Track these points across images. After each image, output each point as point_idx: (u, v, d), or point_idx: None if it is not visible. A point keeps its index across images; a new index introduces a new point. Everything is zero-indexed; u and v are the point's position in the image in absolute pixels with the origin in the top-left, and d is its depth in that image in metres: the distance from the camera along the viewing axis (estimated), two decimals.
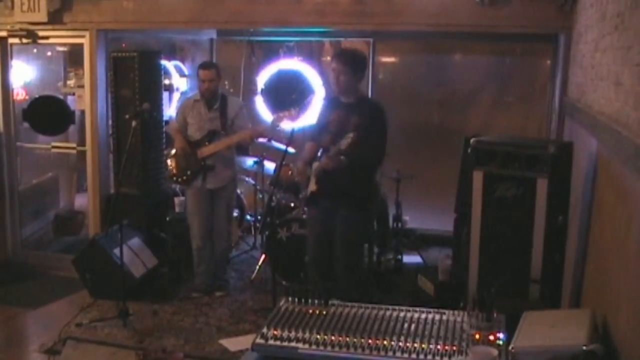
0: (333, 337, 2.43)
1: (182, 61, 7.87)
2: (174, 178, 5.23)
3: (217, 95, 5.14)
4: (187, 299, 5.26)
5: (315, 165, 4.36)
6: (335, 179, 4.20)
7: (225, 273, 5.45)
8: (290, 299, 2.80)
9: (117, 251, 4.90)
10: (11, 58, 6.19)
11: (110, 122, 5.94)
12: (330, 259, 4.51)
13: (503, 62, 6.86)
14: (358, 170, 4.22)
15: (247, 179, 6.79)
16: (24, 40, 5.91)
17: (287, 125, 4.88)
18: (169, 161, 5.25)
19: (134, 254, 5.28)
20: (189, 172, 5.12)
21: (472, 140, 4.22)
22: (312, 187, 4.35)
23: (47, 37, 5.94)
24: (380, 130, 4.33)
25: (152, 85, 5.76)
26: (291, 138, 4.62)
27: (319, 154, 4.49)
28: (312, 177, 4.36)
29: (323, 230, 4.43)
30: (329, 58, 7.41)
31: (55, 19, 5.72)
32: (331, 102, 4.55)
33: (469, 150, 4.25)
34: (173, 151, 5.25)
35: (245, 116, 5.32)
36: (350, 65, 4.28)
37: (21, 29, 5.82)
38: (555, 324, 2.65)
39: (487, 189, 4.08)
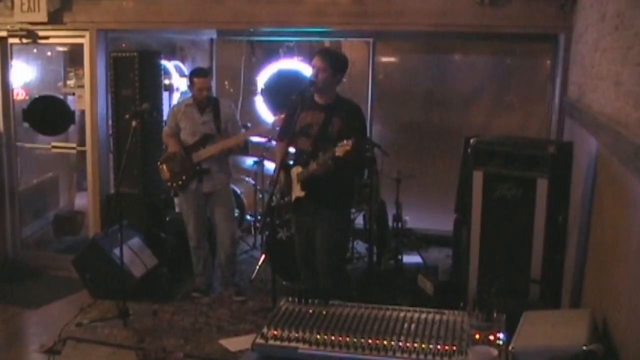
0: (333, 337, 2.43)
1: (182, 61, 7.87)
2: (169, 183, 5.20)
3: (210, 100, 5.14)
4: (187, 299, 5.26)
5: (297, 170, 4.28)
6: (321, 183, 4.15)
7: (234, 277, 5.43)
8: (290, 299, 2.80)
9: (117, 251, 4.89)
10: (11, 58, 6.19)
11: (110, 122, 5.94)
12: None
13: (503, 62, 6.85)
14: (342, 172, 4.14)
15: (247, 179, 6.79)
16: (24, 40, 5.91)
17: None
18: (160, 167, 5.20)
19: (134, 254, 5.28)
20: (184, 177, 5.10)
21: (472, 140, 4.23)
22: (299, 192, 4.28)
23: (47, 37, 5.94)
24: (363, 131, 4.33)
25: (152, 85, 5.76)
26: (292, 137, 4.61)
27: (291, 157, 4.44)
28: (296, 182, 4.29)
29: (309, 233, 4.39)
30: None
31: (55, 19, 5.72)
32: (301, 100, 4.27)
33: (469, 150, 4.25)
34: (162, 159, 5.21)
35: (237, 118, 5.32)
36: (331, 64, 4.16)
37: (21, 29, 5.82)
38: (555, 324, 2.65)
39: (487, 189, 4.08)
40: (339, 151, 3.86)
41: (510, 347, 2.38)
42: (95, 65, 5.80)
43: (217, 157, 5.09)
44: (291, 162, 4.46)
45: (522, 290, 3.91)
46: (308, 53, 7.15)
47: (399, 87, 7.06)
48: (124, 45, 6.85)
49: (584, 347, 2.30)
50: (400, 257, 5.84)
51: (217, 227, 5.27)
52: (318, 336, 2.44)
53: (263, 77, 7.07)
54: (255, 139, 5.99)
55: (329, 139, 4.16)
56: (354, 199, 4.68)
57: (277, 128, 4.90)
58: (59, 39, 6.10)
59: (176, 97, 7.36)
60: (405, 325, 2.53)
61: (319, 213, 4.29)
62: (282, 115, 4.76)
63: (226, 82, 7.62)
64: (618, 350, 2.38)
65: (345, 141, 3.85)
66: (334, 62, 4.19)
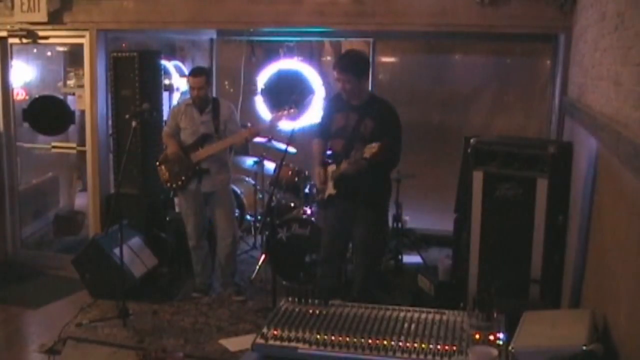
0: (333, 337, 2.43)
1: (182, 61, 7.88)
2: (168, 184, 5.18)
3: (208, 99, 5.14)
4: (187, 299, 5.26)
5: (332, 169, 4.37)
6: (354, 182, 4.22)
7: (234, 277, 5.44)
8: (290, 299, 2.80)
9: (117, 251, 4.89)
10: (11, 58, 6.18)
11: (110, 122, 5.94)
12: (342, 258, 4.53)
13: (503, 62, 6.86)
14: (377, 172, 4.21)
15: (247, 179, 6.79)
16: (24, 40, 5.91)
17: (287, 125, 4.88)
18: (159, 168, 5.19)
19: (134, 254, 5.28)
20: (183, 178, 5.09)
21: (472, 140, 4.23)
22: (331, 190, 4.36)
23: (47, 37, 5.94)
24: (397, 132, 4.34)
25: (152, 85, 5.76)
26: (291, 138, 4.62)
27: (328, 158, 4.50)
28: (330, 180, 4.37)
29: (339, 230, 4.46)
30: (329, 58, 7.41)
31: (55, 19, 5.72)
32: (336, 102, 4.47)
33: (469, 150, 4.25)
34: (160, 160, 5.21)
35: (237, 119, 5.31)
36: (353, 73, 4.22)
37: (21, 29, 5.81)
38: (555, 324, 2.65)
39: (487, 189, 4.08)
40: (367, 153, 3.97)
41: (510, 347, 2.38)
42: (95, 65, 5.79)
43: (216, 157, 5.09)
44: (329, 161, 4.50)
45: (522, 290, 3.91)
46: (308, 53, 7.15)
47: (399, 87, 7.05)
48: (124, 45, 6.85)
49: (584, 347, 2.30)
50: (400, 257, 5.84)
51: (217, 227, 5.26)
52: (318, 336, 2.44)
53: (263, 77, 7.07)
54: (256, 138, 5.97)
55: (362, 139, 4.21)
56: (390, 194, 4.69)
57: (276, 125, 4.91)
58: (59, 39, 6.10)
59: (176, 97, 7.37)
60: (405, 325, 2.53)
61: (355, 213, 4.34)
62: (281, 113, 4.77)
63: (226, 82, 7.62)
64: (618, 350, 2.38)
65: (373, 143, 3.94)
66: (355, 70, 4.25)
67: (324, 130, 4.52)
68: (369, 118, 4.24)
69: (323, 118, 4.59)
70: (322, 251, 4.63)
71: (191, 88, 5.06)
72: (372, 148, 3.93)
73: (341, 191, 4.32)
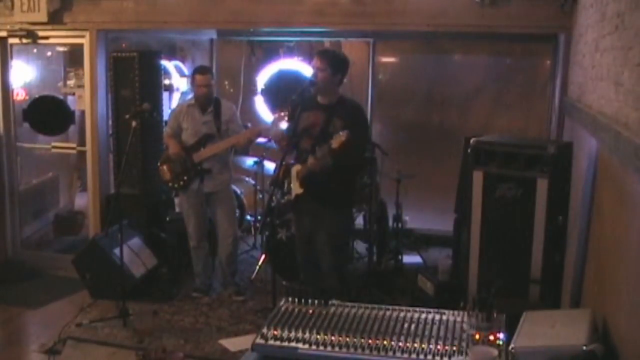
0: (333, 337, 2.43)
1: (182, 61, 7.87)
2: (170, 184, 5.19)
3: (212, 99, 5.14)
4: (187, 299, 5.26)
5: (297, 169, 4.31)
6: (320, 181, 4.18)
7: (234, 277, 5.44)
8: (290, 299, 2.80)
9: (117, 251, 4.90)
10: (11, 58, 6.19)
11: (110, 122, 5.94)
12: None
13: (503, 62, 6.86)
14: (342, 171, 4.17)
15: (247, 179, 6.79)
16: (24, 40, 5.91)
17: (286, 125, 4.88)
18: (161, 168, 5.19)
19: (134, 254, 5.29)
20: (185, 178, 5.09)
21: (472, 140, 4.23)
22: (297, 190, 4.31)
23: (47, 37, 5.94)
24: (363, 131, 4.33)
25: (152, 85, 5.76)
26: (294, 137, 4.60)
27: (292, 159, 4.47)
28: (295, 180, 4.32)
29: (310, 231, 4.41)
30: None
31: (55, 19, 5.72)
32: (305, 100, 4.35)
33: (469, 150, 4.25)
34: (162, 160, 5.21)
35: (238, 119, 5.32)
36: (330, 64, 4.19)
37: (21, 29, 5.82)
38: (555, 324, 2.65)
39: (487, 189, 4.09)
40: (335, 143, 3.92)
41: (510, 347, 2.38)
42: (95, 65, 5.79)
43: (218, 157, 5.10)
44: (292, 162, 4.47)
45: (522, 290, 3.91)
46: (308, 53, 7.15)
47: (399, 87, 7.06)
48: (124, 45, 6.85)
49: (584, 347, 2.31)
50: (400, 257, 5.84)
51: (218, 227, 5.27)
52: (318, 336, 2.44)
53: (263, 77, 7.07)
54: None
55: (338, 135, 4.17)
56: (354, 199, 4.68)
57: (279, 126, 4.90)
58: (59, 39, 6.10)
59: (176, 97, 7.36)
60: (405, 325, 2.52)
61: (319, 213, 4.30)
62: (282, 113, 4.76)
63: (226, 82, 7.62)
64: (618, 350, 2.38)
65: (340, 132, 3.91)
66: (332, 62, 4.22)
67: (292, 129, 4.39)
68: (338, 118, 4.21)
69: (289, 119, 4.50)
70: (298, 255, 4.58)
71: (197, 86, 5.06)
72: (340, 137, 3.89)
73: (309, 190, 4.28)
